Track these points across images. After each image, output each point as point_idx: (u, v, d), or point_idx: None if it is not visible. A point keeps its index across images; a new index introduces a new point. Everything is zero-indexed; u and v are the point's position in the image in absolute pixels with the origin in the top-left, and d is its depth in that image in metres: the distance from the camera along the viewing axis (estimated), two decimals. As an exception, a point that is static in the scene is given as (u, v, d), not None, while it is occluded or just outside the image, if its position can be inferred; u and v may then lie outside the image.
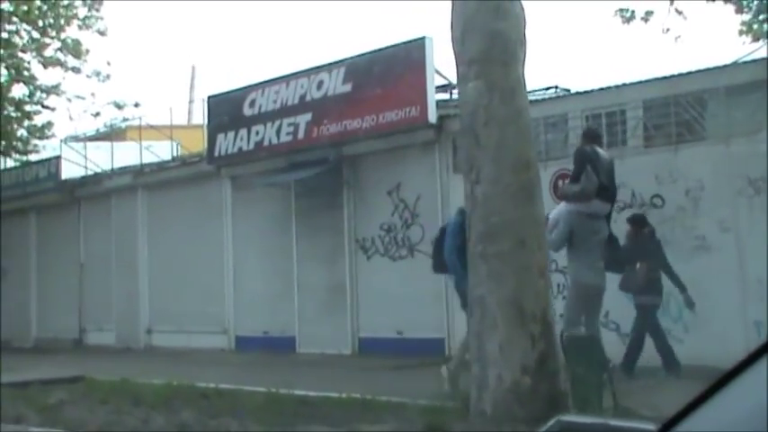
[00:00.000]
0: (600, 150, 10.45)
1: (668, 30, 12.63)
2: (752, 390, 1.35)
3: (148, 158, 21.70)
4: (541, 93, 16.17)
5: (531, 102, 15.18)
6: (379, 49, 15.50)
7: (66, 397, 9.77)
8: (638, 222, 11.46)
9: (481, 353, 6.82)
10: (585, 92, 13.49)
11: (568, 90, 15.53)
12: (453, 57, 7.50)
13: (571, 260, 10.34)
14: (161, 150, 22.54)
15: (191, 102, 37.41)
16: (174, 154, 23.21)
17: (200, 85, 40.94)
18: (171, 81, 61.01)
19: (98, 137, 25.30)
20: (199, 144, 21.65)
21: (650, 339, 11.01)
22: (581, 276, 9.99)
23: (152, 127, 21.85)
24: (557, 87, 16.10)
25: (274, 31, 65.45)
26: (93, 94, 23.60)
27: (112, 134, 24.88)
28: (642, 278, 10.92)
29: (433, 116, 14.67)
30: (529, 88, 16.51)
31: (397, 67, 15.09)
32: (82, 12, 23.49)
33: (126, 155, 22.50)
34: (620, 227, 11.98)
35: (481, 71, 7.21)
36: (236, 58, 60.37)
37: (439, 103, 15.03)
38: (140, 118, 22.04)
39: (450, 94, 16.16)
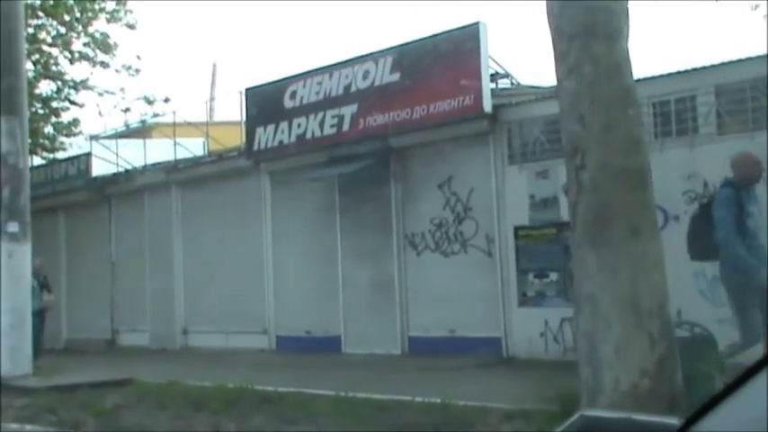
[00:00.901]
0: None
1: (757, 6, 11.87)
2: None
3: (179, 155, 21.23)
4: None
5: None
6: (430, 37, 14.91)
7: (122, 401, 9.26)
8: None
9: (593, 354, 6.23)
10: (653, 77, 12.86)
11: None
12: (550, 32, 6.92)
13: None
14: (190, 147, 22.05)
15: (212, 99, 37.05)
16: (205, 150, 22.76)
17: (221, 82, 40.37)
18: (190, 78, 60.57)
19: (123, 134, 24.88)
20: (228, 140, 21.19)
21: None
22: None
23: (189, 123, 21.31)
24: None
25: (292, 28, 64.92)
26: (122, 89, 23.02)
27: (144, 131, 24.50)
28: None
29: (488, 105, 14.09)
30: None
31: (449, 54, 14.51)
32: (110, 5, 23.12)
33: (153, 152, 22.07)
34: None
35: (584, 46, 6.64)
36: (255, 54, 59.85)
37: (493, 92, 14.47)
38: (174, 113, 21.60)
39: (496, 83, 15.58)
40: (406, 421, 7.70)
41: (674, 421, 1.53)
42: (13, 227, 12.02)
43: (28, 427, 8.55)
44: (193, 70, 60.10)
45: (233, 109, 19.90)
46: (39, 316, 16.08)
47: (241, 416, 8.24)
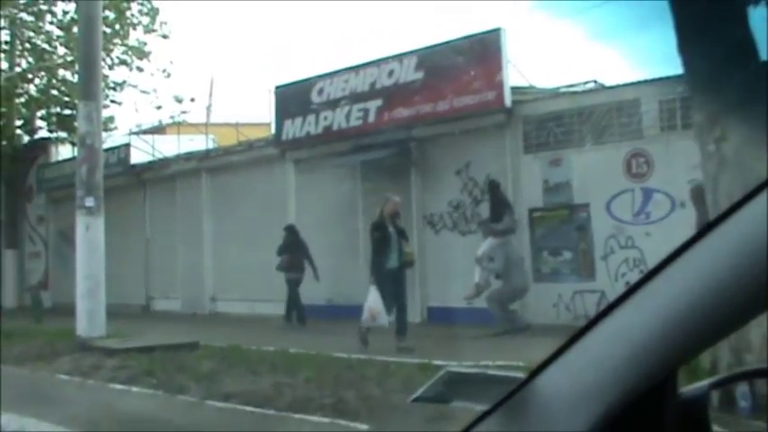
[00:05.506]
0: None
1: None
2: (613, 337, 1.13)
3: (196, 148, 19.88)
4: (580, 86, 14.52)
5: (605, 87, 13.52)
6: (454, 40, 13.64)
7: (215, 366, 7.88)
8: (292, 231, 14.73)
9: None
10: (660, 79, 11.76)
11: (603, 85, 13.93)
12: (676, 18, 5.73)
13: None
14: (198, 143, 20.65)
15: (209, 106, 35.68)
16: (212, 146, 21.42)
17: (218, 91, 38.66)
18: (189, 85, 57.09)
19: (155, 129, 23.42)
20: (227, 139, 19.82)
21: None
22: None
23: (227, 124, 19.75)
24: (595, 81, 14.46)
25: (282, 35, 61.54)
26: (154, 90, 21.56)
27: (169, 127, 23.04)
28: (287, 263, 14.51)
29: (508, 101, 12.91)
30: (567, 82, 14.91)
31: (473, 56, 13.28)
32: (145, 19, 21.68)
33: (170, 146, 20.74)
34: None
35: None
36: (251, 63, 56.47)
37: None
38: (209, 109, 20.12)
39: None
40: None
41: (520, 375, 1.28)
42: (89, 201, 10.56)
43: (134, 389, 7.17)
44: (192, 78, 56.64)
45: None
46: (399, 275, 10.61)
47: (356, 385, 6.84)
